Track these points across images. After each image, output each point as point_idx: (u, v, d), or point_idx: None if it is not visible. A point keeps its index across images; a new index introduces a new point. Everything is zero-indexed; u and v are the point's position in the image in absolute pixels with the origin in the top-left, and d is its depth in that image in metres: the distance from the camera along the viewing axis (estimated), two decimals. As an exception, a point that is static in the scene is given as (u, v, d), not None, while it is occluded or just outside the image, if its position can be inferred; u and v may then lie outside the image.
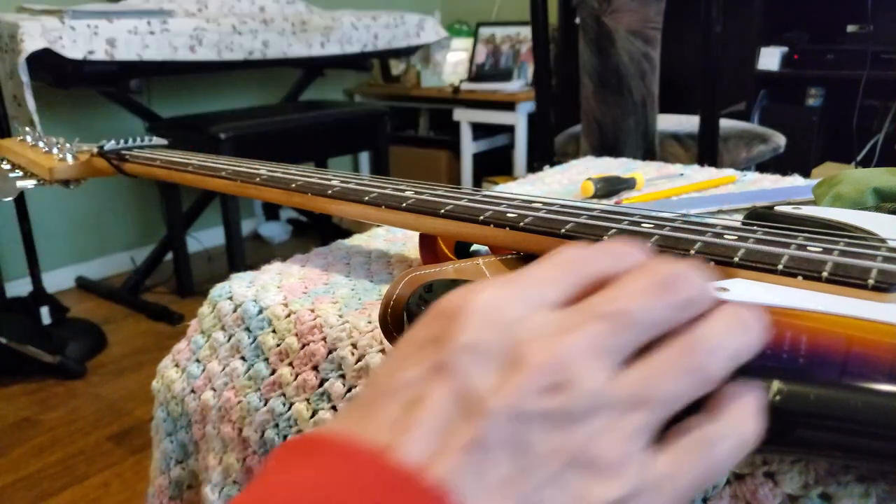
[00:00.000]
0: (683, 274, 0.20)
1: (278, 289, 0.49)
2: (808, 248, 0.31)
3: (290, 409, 0.44)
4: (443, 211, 0.42)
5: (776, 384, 0.22)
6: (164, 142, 0.69)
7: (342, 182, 0.49)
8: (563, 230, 0.36)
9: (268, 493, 0.16)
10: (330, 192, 0.47)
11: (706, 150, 1.25)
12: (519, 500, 0.16)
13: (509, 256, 0.38)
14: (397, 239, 0.58)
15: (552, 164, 0.90)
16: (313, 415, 0.43)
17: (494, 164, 2.95)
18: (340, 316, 0.44)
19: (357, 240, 0.58)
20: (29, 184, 0.68)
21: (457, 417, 0.17)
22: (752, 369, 0.21)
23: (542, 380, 0.17)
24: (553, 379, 0.17)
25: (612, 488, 0.17)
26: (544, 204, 0.41)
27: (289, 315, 0.46)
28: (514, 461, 0.16)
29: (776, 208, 0.45)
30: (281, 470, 0.17)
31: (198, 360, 0.51)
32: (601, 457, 0.17)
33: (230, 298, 0.49)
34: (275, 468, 0.18)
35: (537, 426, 0.17)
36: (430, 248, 0.45)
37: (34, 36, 1.51)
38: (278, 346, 0.45)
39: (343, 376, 0.42)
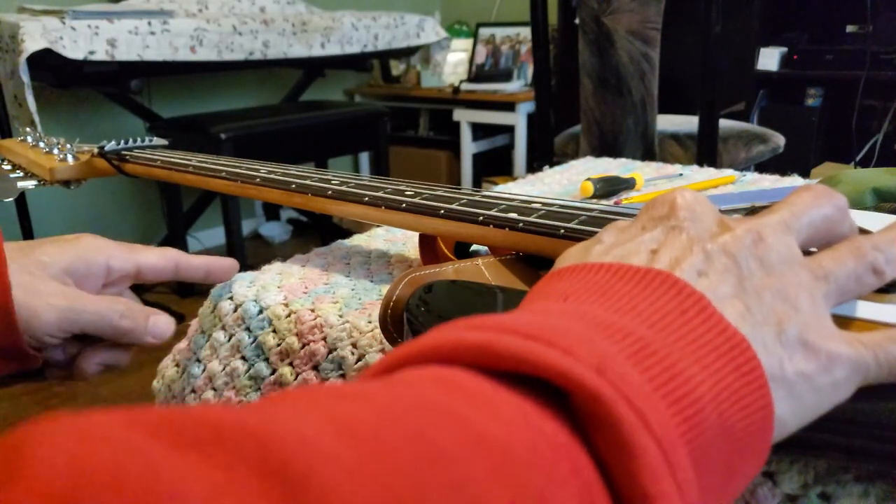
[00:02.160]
0: (839, 194, 0.26)
1: (279, 289, 0.49)
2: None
3: (290, 408, 0.44)
4: (442, 211, 0.42)
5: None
6: (164, 142, 0.69)
7: (342, 182, 0.49)
8: (562, 231, 0.37)
9: (562, 289, 0.22)
10: (330, 192, 0.48)
11: (705, 150, 1.25)
12: (741, 306, 0.21)
13: (509, 257, 0.38)
14: (397, 239, 0.58)
15: (552, 165, 0.90)
16: (313, 414, 0.43)
17: (494, 165, 2.96)
18: (341, 316, 0.44)
19: (357, 240, 0.58)
20: (29, 184, 0.68)
21: (689, 249, 0.23)
22: None
23: (746, 236, 0.23)
24: (752, 237, 0.23)
25: (808, 323, 0.22)
26: (544, 204, 0.41)
27: (289, 315, 0.46)
28: (736, 282, 0.22)
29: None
30: (560, 278, 0.23)
31: (198, 360, 0.51)
32: (799, 299, 0.22)
33: (231, 298, 0.49)
34: (555, 279, 0.23)
35: (748, 263, 0.23)
36: (429, 248, 0.46)
37: (35, 36, 1.51)
38: (279, 345, 0.45)
39: (343, 376, 0.42)
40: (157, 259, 0.43)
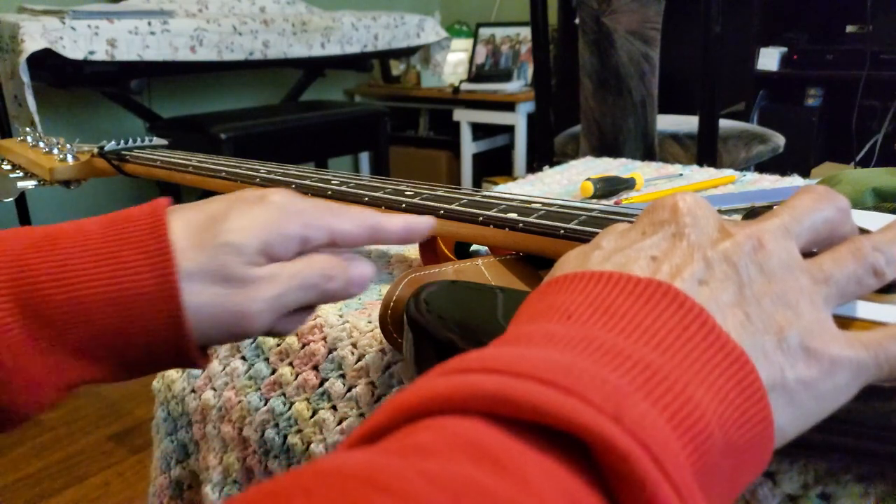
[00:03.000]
0: (840, 195, 0.26)
1: (278, 289, 0.49)
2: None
3: (290, 408, 0.44)
4: (442, 211, 0.42)
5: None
6: (164, 142, 0.69)
7: (342, 182, 0.49)
8: (562, 231, 0.37)
9: (563, 304, 0.22)
10: (329, 192, 0.48)
11: (705, 150, 1.25)
12: (742, 315, 0.22)
13: (509, 257, 0.38)
14: (397, 239, 0.58)
15: (552, 165, 0.90)
16: (313, 414, 0.43)
17: (494, 165, 2.95)
18: (340, 316, 0.44)
19: (357, 240, 0.58)
20: (29, 184, 0.68)
21: (690, 257, 0.23)
22: None
23: (746, 242, 0.23)
24: (753, 243, 0.23)
25: (809, 329, 0.22)
26: (544, 204, 0.41)
27: (289, 315, 0.46)
28: (736, 290, 0.22)
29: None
30: (559, 289, 0.23)
31: (198, 360, 0.51)
32: (800, 304, 0.22)
33: (230, 298, 0.49)
34: (554, 289, 0.23)
35: (748, 270, 0.23)
36: (430, 248, 0.46)
37: (35, 36, 1.51)
38: (278, 345, 0.45)
39: (343, 376, 0.42)
40: (353, 227, 0.35)
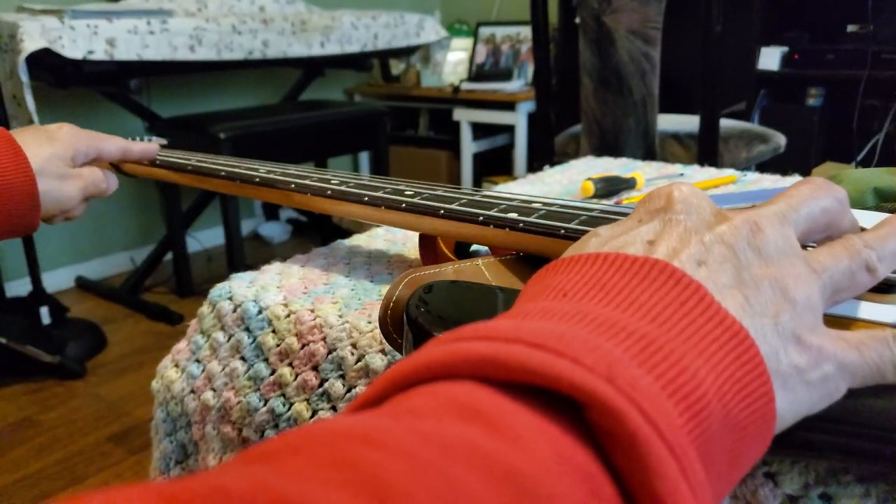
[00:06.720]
0: (838, 187, 0.26)
1: (278, 289, 0.48)
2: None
3: (290, 409, 0.44)
4: (442, 211, 0.42)
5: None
6: (163, 141, 0.69)
7: (341, 182, 0.49)
8: (562, 231, 0.36)
9: (560, 283, 0.22)
10: (329, 192, 0.47)
11: (706, 149, 1.25)
12: (741, 297, 0.22)
13: (509, 257, 0.38)
14: (397, 239, 0.58)
15: (552, 164, 0.90)
16: (313, 415, 0.43)
17: (494, 164, 2.95)
18: (340, 316, 0.44)
19: (357, 240, 0.58)
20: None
21: (687, 240, 0.23)
22: None
23: (743, 226, 0.23)
24: (750, 227, 0.23)
25: (802, 316, 0.22)
26: (544, 204, 0.41)
27: (289, 315, 0.45)
28: (734, 272, 0.22)
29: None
30: (557, 271, 0.23)
31: (198, 361, 0.51)
32: (796, 291, 0.22)
33: (230, 299, 0.49)
34: (552, 272, 0.23)
35: (746, 253, 0.23)
36: (429, 248, 0.45)
37: (34, 36, 1.51)
38: (278, 346, 0.45)
39: (343, 376, 0.42)
40: (112, 148, 0.59)
